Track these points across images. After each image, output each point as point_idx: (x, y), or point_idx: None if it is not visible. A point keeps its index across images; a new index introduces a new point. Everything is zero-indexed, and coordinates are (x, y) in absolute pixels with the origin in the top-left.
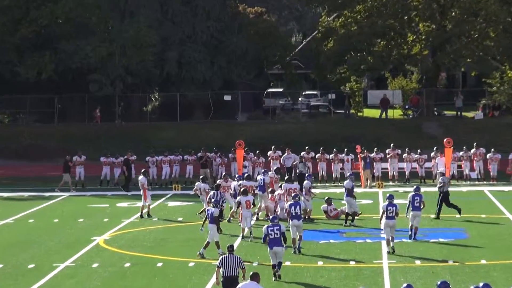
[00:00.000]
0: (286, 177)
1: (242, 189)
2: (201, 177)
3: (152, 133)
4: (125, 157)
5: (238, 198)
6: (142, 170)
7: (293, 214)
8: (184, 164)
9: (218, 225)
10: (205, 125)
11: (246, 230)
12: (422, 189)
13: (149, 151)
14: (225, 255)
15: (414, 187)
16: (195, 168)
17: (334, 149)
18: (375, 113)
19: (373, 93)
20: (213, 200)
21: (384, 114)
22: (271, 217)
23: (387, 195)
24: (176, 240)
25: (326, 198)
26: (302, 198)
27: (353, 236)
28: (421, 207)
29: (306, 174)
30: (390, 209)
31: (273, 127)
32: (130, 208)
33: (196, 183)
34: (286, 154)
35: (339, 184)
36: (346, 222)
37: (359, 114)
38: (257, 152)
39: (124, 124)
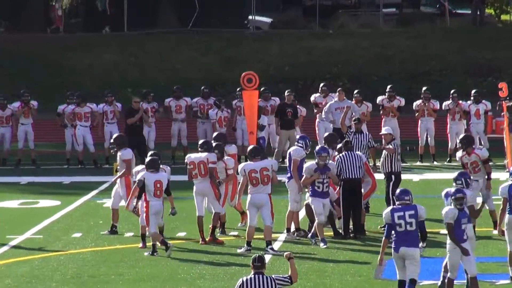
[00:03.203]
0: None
1: (148, 160)
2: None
3: (71, 56)
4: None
5: (140, 174)
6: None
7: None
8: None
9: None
10: (182, 40)
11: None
12: None
13: (63, 92)
14: (248, 277)
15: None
16: (160, 129)
17: (452, 91)
18: None
19: None
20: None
21: None
22: (398, 191)
23: (510, 169)
24: (122, 279)
25: None
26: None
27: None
28: None
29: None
30: None
31: (323, 44)
32: (24, 212)
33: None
34: (332, 99)
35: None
36: None
37: (504, 17)
38: (290, 94)
39: (13, 38)
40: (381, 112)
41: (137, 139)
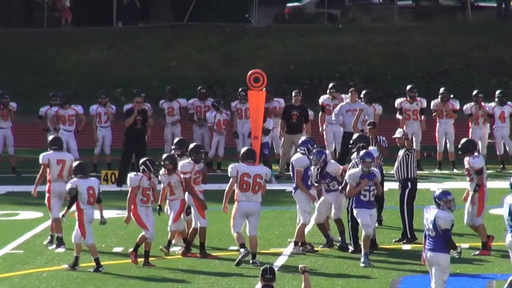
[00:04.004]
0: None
1: (76, 165)
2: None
3: (55, 53)
4: (130, 106)
5: (71, 182)
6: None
7: None
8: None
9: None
10: (176, 35)
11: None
12: None
13: (46, 93)
14: None
15: None
16: (152, 133)
17: (475, 92)
18: None
19: None
20: None
21: None
22: (438, 192)
23: None
24: None
25: None
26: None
27: None
28: None
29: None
30: None
31: (332, 40)
32: (3, 224)
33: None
34: (344, 101)
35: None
36: None
37: None
38: (297, 96)
39: None
40: (398, 114)
41: (137, 143)
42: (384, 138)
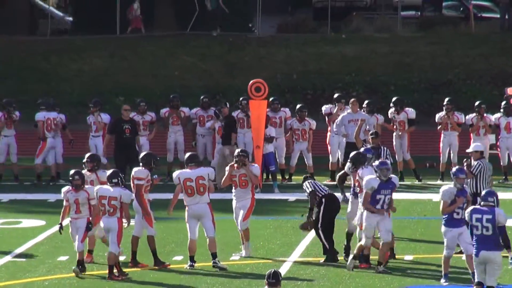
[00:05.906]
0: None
1: None
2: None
3: (57, 61)
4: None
5: None
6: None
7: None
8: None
9: None
10: (180, 44)
11: None
12: None
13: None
14: None
15: None
16: (154, 142)
17: (477, 103)
18: None
19: None
20: None
21: None
22: (484, 191)
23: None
24: None
25: None
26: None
27: None
28: None
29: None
30: None
31: (335, 50)
32: (5, 232)
33: None
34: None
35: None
36: None
37: None
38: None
39: None
40: (393, 125)
41: (127, 154)
42: (386, 148)
